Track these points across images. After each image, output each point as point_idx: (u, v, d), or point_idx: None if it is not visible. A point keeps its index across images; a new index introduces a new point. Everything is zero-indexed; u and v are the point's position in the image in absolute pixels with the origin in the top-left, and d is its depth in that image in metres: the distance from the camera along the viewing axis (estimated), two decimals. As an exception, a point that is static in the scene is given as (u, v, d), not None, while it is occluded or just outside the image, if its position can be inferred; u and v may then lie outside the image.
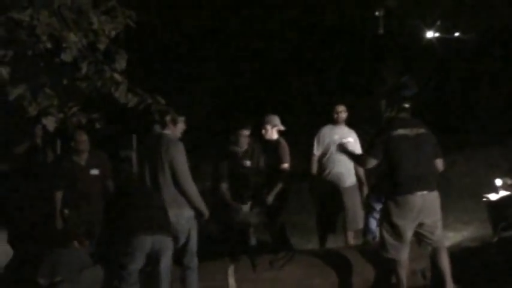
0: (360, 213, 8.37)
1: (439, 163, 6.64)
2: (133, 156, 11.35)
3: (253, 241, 7.96)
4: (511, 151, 13.40)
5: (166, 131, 6.57)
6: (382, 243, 6.52)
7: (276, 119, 8.32)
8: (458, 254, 7.14)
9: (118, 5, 5.86)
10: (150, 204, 6.36)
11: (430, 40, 19.22)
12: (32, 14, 5.28)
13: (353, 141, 8.23)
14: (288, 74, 19.45)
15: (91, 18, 5.59)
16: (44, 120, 5.48)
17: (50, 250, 6.55)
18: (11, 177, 8.36)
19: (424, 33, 19.25)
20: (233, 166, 7.96)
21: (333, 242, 8.43)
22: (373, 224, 8.33)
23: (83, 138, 7.74)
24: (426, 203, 6.38)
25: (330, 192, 8.24)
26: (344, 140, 8.00)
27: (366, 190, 8.46)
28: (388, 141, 6.42)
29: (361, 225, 8.41)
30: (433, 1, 18.41)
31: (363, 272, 6.99)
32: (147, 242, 6.10)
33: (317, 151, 8.30)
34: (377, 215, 7.85)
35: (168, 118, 6.46)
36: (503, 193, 8.13)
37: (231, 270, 6.92)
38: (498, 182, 8.25)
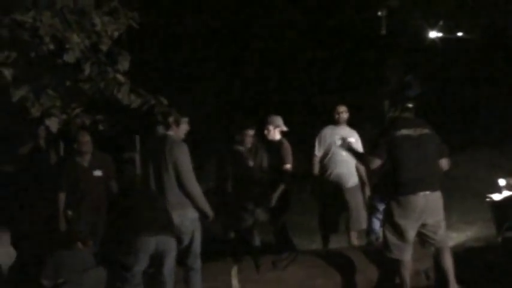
0: (363, 214, 8.37)
1: (445, 162, 6.64)
2: (137, 157, 11.36)
3: (257, 241, 7.96)
4: (514, 151, 13.42)
5: (170, 132, 6.56)
6: (386, 243, 6.51)
7: (279, 120, 8.31)
8: (461, 254, 7.12)
9: (120, 6, 5.86)
10: (154, 206, 6.36)
11: (433, 40, 19.22)
12: (34, 16, 5.28)
13: (354, 142, 8.22)
14: (291, 74, 19.45)
15: (93, 19, 5.59)
16: (47, 122, 5.48)
17: (53, 251, 6.55)
18: (15, 178, 8.37)
19: (426, 33, 19.25)
20: (238, 165, 7.95)
21: (335, 243, 8.43)
22: (377, 224, 8.32)
23: (86, 139, 7.73)
24: (429, 203, 6.38)
25: (332, 193, 8.24)
26: (345, 140, 7.99)
27: (367, 190, 8.45)
28: (391, 142, 6.41)
29: (364, 225, 8.40)
30: (436, 1, 18.41)
31: (367, 273, 6.98)
32: (150, 243, 6.10)
33: (318, 152, 8.30)
34: (380, 216, 7.84)
35: (171, 119, 6.45)
36: (506, 193, 8.13)
37: (234, 270, 6.92)
38: (502, 182, 8.24)
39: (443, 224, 6.56)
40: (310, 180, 8.51)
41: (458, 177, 10.52)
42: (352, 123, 8.48)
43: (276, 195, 7.96)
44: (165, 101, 5.93)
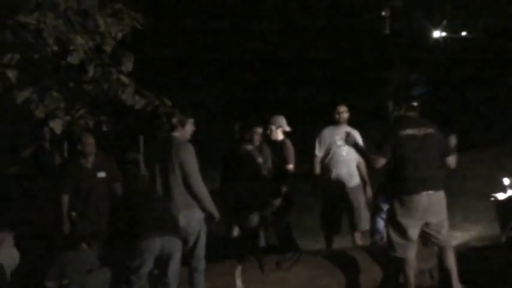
0: (366, 214, 8.36)
1: (452, 159, 6.65)
2: (140, 158, 11.37)
3: (262, 242, 7.96)
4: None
5: (176, 133, 6.56)
6: (390, 242, 6.52)
7: (281, 120, 8.32)
8: (466, 254, 7.12)
9: (124, 8, 5.86)
10: (158, 207, 6.36)
11: (437, 40, 19.19)
12: (38, 17, 5.28)
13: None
14: (293, 74, 19.45)
15: (97, 20, 5.59)
16: (51, 123, 5.48)
17: (57, 253, 6.56)
18: (19, 180, 8.38)
19: (430, 33, 19.22)
20: (246, 164, 7.94)
21: (339, 243, 8.43)
22: (381, 224, 8.31)
23: (90, 141, 7.74)
24: (432, 203, 6.39)
25: (334, 193, 8.24)
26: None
27: (369, 190, 8.45)
28: (396, 141, 6.42)
29: (367, 225, 8.39)
30: (440, 0, 18.39)
31: (371, 273, 6.98)
32: (156, 244, 6.10)
33: (319, 152, 8.29)
34: (384, 215, 7.83)
35: (174, 120, 6.46)
36: (511, 192, 8.12)
37: (238, 271, 6.92)
38: (506, 181, 8.23)
39: (446, 223, 6.57)
40: (311, 180, 8.50)
41: (462, 176, 10.50)
42: (354, 124, 8.47)
43: (278, 198, 7.97)
44: (168, 102, 5.93)
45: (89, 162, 7.84)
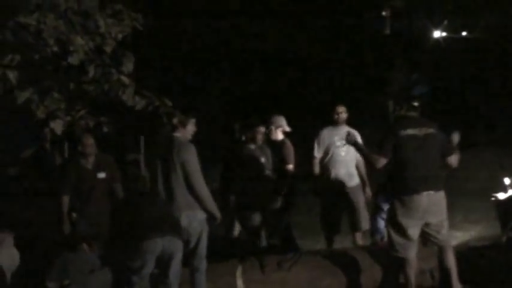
0: (366, 214, 8.36)
1: (454, 159, 6.65)
2: (141, 158, 11.38)
3: (263, 242, 7.96)
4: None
5: (177, 134, 6.56)
6: (391, 242, 6.53)
7: (281, 120, 8.32)
8: (466, 254, 7.12)
9: (124, 8, 5.87)
10: (159, 207, 6.37)
11: (437, 40, 19.20)
12: (38, 18, 5.28)
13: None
14: (293, 75, 19.45)
15: (98, 21, 5.59)
16: (52, 124, 5.48)
17: (58, 253, 6.56)
18: (19, 180, 8.39)
19: (431, 32, 19.23)
20: (249, 163, 7.94)
21: (340, 243, 8.43)
22: (381, 224, 8.31)
23: (90, 141, 7.74)
24: (432, 203, 6.39)
25: (334, 193, 8.23)
26: (344, 141, 7.94)
27: (368, 190, 8.45)
28: (396, 141, 6.43)
29: (367, 225, 8.39)
30: (440, 0, 18.40)
31: (372, 273, 6.99)
32: (157, 245, 6.10)
33: (317, 153, 8.29)
34: (385, 215, 7.83)
35: (175, 120, 6.45)
36: (511, 192, 8.12)
37: (239, 271, 6.92)
38: (507, 181, 8.23)
39: (446, 223, 6.57)
40: (311, 180, 8.50)
41: (462, 176, 10.51)
42: (355, 124, 8.46)
43: (279, 199, 7.97)
44: (169, 102, 5.93)
45: (89, 162, 7.83)
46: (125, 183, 7.93)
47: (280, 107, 11.44)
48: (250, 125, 8.04)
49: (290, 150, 8.16)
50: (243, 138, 8.27)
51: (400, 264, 6.54)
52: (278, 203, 7.97)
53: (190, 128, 6.66)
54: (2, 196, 8.40)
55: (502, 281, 6.81)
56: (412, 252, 6.47)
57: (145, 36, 6.97)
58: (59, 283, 6.26)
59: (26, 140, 8.95)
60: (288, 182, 8.08)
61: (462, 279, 6.56)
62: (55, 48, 5.39)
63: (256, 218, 7.90)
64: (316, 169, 8.31)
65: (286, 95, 18.64)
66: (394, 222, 6.46)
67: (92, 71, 5.53)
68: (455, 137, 6.81)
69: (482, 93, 18.43)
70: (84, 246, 6.68)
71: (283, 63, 19.30)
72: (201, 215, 6.46)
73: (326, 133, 8.29)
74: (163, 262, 6.19)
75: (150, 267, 6.16)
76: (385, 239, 7.03)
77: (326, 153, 8.25)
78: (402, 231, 6.41)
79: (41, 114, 5.44)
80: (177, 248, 6.22)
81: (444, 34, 19.33)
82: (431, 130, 6.54)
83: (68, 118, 5.61)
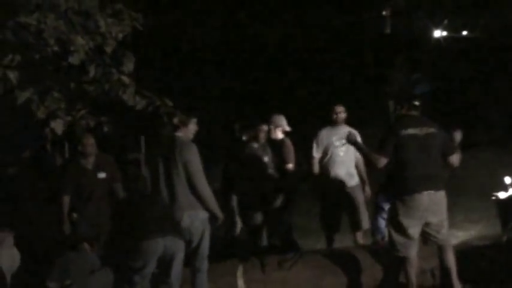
0: (365, 213, 8.36)
1: (455, 158, 6.65)
2: (142, 158, 11.37)
3: (264, 241, 7.97)
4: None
5: (179, 133, 6.56)
6: (392, 242, 6.53)
7: (281, 119, 8.31)
8: (466, 253, 7.12)
9: (125, 8, 5.87)
10: (160, 207, 6.37)
11: (438, 39, 19.20)
12: (39, 18, 5.29)
13: None
14: (294, 74, 19.45)
15: (98, 21, 5.60)
16: (52, 124, 5.48)
17: (59, 253, 6.56)
18: (20, 180, 8.39)
19: (431, 32, 19.23)
20: (251, 162, 7.93)
21: (340, 242, 8.42)
22: (382, 223, 8.31)
23: (90, 141, 7.73)
24: (432, 202, 6.39)
25: (333, 193, 8.23)
26: (343, 141, 7.93)
27: (367, 189, 8.44)
28: (397, 141, 6.42)
29: (367, 225, 8.38)
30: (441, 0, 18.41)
31: (372, 272, 6.99)
32: (158, 245, 6.10)
33: (316, 153, 8.27)
34: (385, 215, 7.83)
35: (176, 120, 6.45)
36: (512, 191, 8.13)
37: (239, 271, 6.92)
38: (507, 180, 8.23)
39: (446, 223, 6.58)
40: (310, 180, 8.50)
41: (462, 175, 10.50)
42: (355, 123, 8.45)
43: (279, 199, 7.98)
44: (169, 102, 5.93)
45: (90, 162, 7.83)
46: (126, 183, 7.93)
47: (280, 107, 11.43)
48: (252, 123, 8.04)
49: (290, 149, 8.16)
50: (244, 137, 8.27)
51: (401, 263, 6.54)
52: (279, 202, 7.98)
53: (192, 127, 6.66)
54: (3, 196, 8.38)
55: (502, 280, 6.81)
56: (413, 252, 6.47)
57: (146, 36, 6.96)
58: (60, 283, 6.25)
59: (26, 140, 8.93)
60: (289, 181, 8.07)
61: (462, 279, 6.56)
62: (55, 48, 5.40)
63: (259, 217, 7.90)
64: (316, 169, 8.29)
65: (286, 94, 18.63)
66: (395, 222, 6.47)
67: (92, 71, 5.54)
68: (458, 136, 6.81)
69: (482, 92, 18.41)
70: (86, 246, 6.68)
71: (283, 62, 19.30)
72: (203, 215, 6.45)
73: (325, 133, 8.27)
74: (165, 262, 6.19)
75: (151, 267, 6.16)
76: (386, 238, 7.03)
77: (325, 153, 8.23)
78: (403, 231, 6.41)
79: (41, 114, 5.45)
80: (178, 248, 6.21)
81: (445, 33, 19.34)
82: (432, 129, 6.53)
83: (69, 118, 5.61)
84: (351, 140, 6.98)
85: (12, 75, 5.21)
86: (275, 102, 16.89)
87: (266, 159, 7.95)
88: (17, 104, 5.35)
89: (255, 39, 19.12)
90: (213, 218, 6.53)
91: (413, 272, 6.51)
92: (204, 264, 6.50)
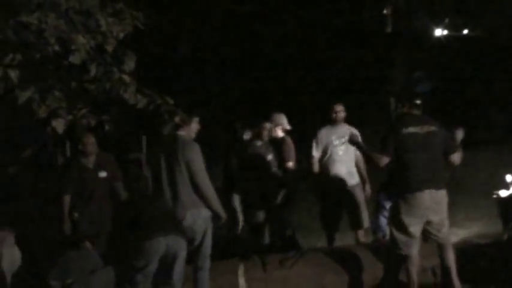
0: (366, 212, 8.35)
1: (456, 156, 6.65)
2: (143, 158, 11.36)
3: (267, 239, 7.97)
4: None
5: (181, 132, 6.55)
6: (393, 240, 6.53)
7: (281, 118, 8.32)
8: (467, 251, 7.12)
9: (125, 7, 5.88)
10: (162, 206, 6.37)
11: (439, 38, 19.19)
12: (40, 17, 5.30)
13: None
14: (294, 73, 19.45)
15: (99, 20, 5.61)
16: (54, 123, 5.49)
17: (60, 252, 6.56)
18: (21, 179, 8.39)
19: (432, 31, 19.22)
20: (254, 160, 7.93)
21: (341, 240, 8.42)
22: (383, 222, 8.32)
23: (91, 140, 7.73)
24: (433, 201, 6.40)
25: (333, 192, 8.22)
26: (342, 140, 7.94)
27: (368, 188, 8.43)
28: (398, 140, 6.42)
29: (367, 223, 8.38)
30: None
31: (374, 270, 6.98)
32: (161, 244, 6.09)
33: (316, 152, 8.25)
34: (387, 213, 7.85)
35: (177, 118, 6.44)
36: (513, 189, 8.13)
37: (241, 269, 6.92)
38: (509, 178, 8.23)
39: (446, 222, 6.58)
40: (310, 179, 8.50)
41: (463, 174, 10.50)
42: (355, 123, 8.44)
43: (280, 197, 7.98)
44: (170, 101, 5.94)
45: (90, 162, 7.82)
46: (127, 182, 7.93)
47: (281, 106, 11.43)
48: (255, 121, 8.05)
49: (290, 147, 8.16)
50: (245, 136, 8.27)
51: (402, 261, 6.54)
52: (279, 199, 7.99)
53: (194, 126, 6.65)
54: (3, 195, 8.39)
55: (503, 278, 6.81)
56: (414, 250, 6.47)
57: (147, 35, 6.96)
58: (62, 282, 6.25)
59: (27, 139, 8.94)
60: (289, 179, 8.08)
61: (463, 277, 6.56)
62: (56, 47, 5.42)
63: (261, 216, 7.91)
64: (315, 168, 8.28)
65: (287, 93, 18.62)
66: (396, 220, 6.47)
67: (93, 70, 5.54)
68: (459, 134, 6.81)
69: (483, 91, 18.41)
70: (87, 244, 6.69)
71: (283, 62, 19.29)
72: (206, 213, 6.45)
73: (324, 132, 8.26)
74: (167, 262, 6.18)
75: (154, 267, 6.15)
76: (387, 236, 7.03)
77: (324, 152, 8.22)
78: (404, 229, 6.41)
79: (42, 113, 5.46)
80: (180, 247, 6.21)
81: (445, 32, 19.34)
82: (433, 128, 6.53)
83: (70, 117, 5.62)
84: (353, 141, 6.98)
85: (13, 75, 5.22)
86: (275, 101, 16.87)
87: (269, 157, 7.96)
88: (18, 103, 5.36)
89: (255, 39, 19.10)
90: (215, 216, 6.53)
91: (414, 270, 6.51)
92: (206, 263, 6.50)
